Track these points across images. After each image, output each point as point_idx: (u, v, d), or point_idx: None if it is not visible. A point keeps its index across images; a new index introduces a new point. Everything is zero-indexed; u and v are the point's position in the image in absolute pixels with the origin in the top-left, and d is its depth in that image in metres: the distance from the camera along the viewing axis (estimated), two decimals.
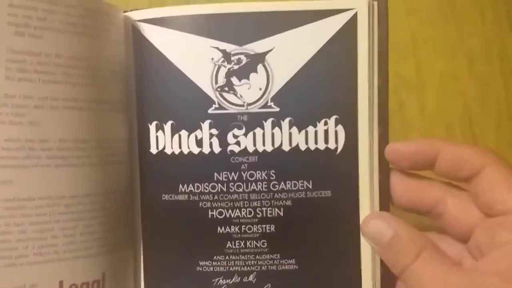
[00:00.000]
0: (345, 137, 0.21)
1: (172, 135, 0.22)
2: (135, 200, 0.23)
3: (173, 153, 0.22)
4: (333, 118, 0.21)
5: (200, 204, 0.22)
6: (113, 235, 0.22)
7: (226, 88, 0.21)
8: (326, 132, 0.21)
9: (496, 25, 0.35)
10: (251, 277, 0.22)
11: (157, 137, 0.22)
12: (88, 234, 0.21)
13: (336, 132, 0.21)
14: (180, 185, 0.22)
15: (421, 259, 0.19)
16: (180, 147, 0.22)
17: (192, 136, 0.22)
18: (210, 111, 0.21)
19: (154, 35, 0.22)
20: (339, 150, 0.21)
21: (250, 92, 0.21)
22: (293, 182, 0.21)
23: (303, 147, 0.21)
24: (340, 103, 0.21)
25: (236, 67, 0.21)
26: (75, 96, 0.19)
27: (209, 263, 0.22)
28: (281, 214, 0.22)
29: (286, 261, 0.22)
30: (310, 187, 0.22)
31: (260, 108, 0.21)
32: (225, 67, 0.21)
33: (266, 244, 0.22)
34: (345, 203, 0.22)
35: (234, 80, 0.21)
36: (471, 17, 0.35)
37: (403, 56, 0.34)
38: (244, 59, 0.21)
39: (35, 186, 0.19)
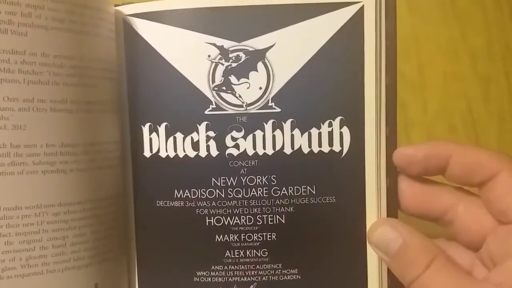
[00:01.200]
0: (350, 139, 0.21)
1: (167, 138, 0.21)
2: (128, 207, 0.22)
3: (167, 156, 0.21)
4: (338, 119, 0.21)
5: (197, 211, 0.21)
6: (105, 244, 0.21)
7: (224, 88, 0.21)
8: (330, 134, 0.21)
9: (499, 24, 0.36)
10: None
11: (150, 139, 0.22)
12: (79, 244, 0.20)
13: (341, 134, 0.21)
14: (176, 191, 0.21)
15: (432, 270, 0.19)
16: (175, 150, 0.21)
17: (188, 138, 0.21)
18: (207, 112, 0.21)
19: (147, 31, 0.21)
20: (344, 153, 0.21)
21: (249, 91, 0.21)
22: (295, 187, 0.21)
23: (306, 150, 0.21)
24: (346, 103, 0.21)
25: (234, 65, 0.21)
26: (63, 97, 0.18)
27: (207, 274, 0.22)
28: (283, 221, 0.21)
29: (288, 271, 0.21)
30: (314, 192, 0.21)
31: (260, 108, 0.21)
32: (223, 65, 0.21)
33: (267, 253, 0.21)
34: (351, 209, 0.21)
35: (233, 78, 0.21)
36: (474, 16, 0.36)
37: (405, 55, 0.35)
38: (243, 56, 0.21)
39: (21, 194, 0.18)
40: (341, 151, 0.21)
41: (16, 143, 0.17)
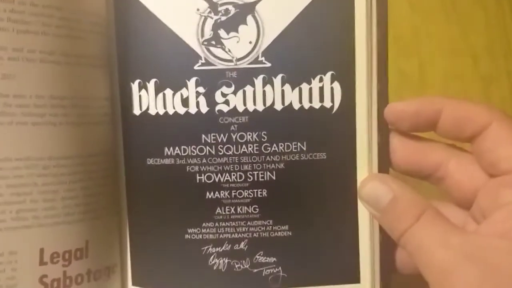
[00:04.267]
0: (341, 94, 0.23)
1: (156, 95, 0.23)
2: (119, 165, 0.24)
3: (157, 114, 0.23)
4: (329, 74, 0.23)
5: (187, 168, 0.23)
6: (96, 201, 0.23)
7: (213, 42, 0.23)
8: (321, 89, 0.23)
9: (500, 23, 0.38)
10: (242, 245, 0.24)
11: (140, 96, 0.23)
12: (69, 199, 0.22)
13: (332, 89, 0.23)
14: (166, 149, 0.23)
15: (421, 222, 0.20)
16: (164, 107, 0.23)
17: (178, 95, 0.23)
18: (196, 67, 0.23)
19: None
20: (335, 109, 0.23)
21: (239, 46, 0.22)
22: (286, 143, 0.23)
23: (296, 106, 0.23)
24: (337, 57, 0.22)
25: (223, 18, 0.22)
26: (53, 49, 0.20)
27: (198, 231, 0.23)
28: (274, 178, 0.23)
29: (279, 228, 0.23)
30: (304, 149, 0.23)
31: (250, 63, 0.23)
32: (212, 18, 0.22)
33: (257, 209, 0.23)
34: (342, 166, 0.23)
35: (222, 33, 0.23)
36: (475, 14, 0.37)
37: (406, 54, 0.37)
38: (232, 10, 0.22)
39: (11, 146, 0.20)
40: (332, 107, 0.23)
41: (5, 93, 0.19)
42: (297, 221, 0.23)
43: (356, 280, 0.23)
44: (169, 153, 0.23)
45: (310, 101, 0.23)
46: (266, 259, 0.23)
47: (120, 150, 0.24)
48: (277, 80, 0.22)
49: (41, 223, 0.22)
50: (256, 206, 0.23)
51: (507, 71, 0.38)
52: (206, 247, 0.24)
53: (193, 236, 0.23)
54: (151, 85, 0.23)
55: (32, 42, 0.19)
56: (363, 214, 0.23)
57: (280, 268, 0.23)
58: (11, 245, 0.21)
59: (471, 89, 0.37)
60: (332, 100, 0.23)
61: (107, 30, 0.23)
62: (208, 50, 0.23)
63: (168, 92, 0.23)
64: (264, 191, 0.23)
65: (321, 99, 0.23)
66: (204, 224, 0.23)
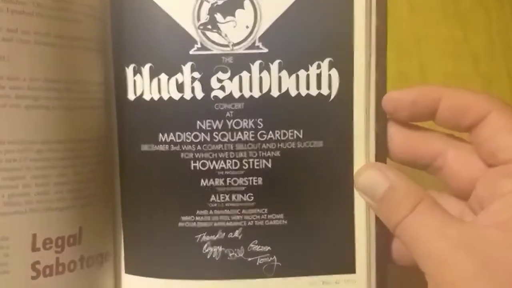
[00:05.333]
0: (339, 82, 0.23)
1: (151, 79, 0.23)
2: (113, 151, 0.25)
3: (152, 99, 0.23)
4: (327, 60, 0.23)
5: (182, 155, 0.24)
6: (90, 186, 0.24)
7: (210, 26, 0.23)
8: (318, 76, 0.23)
9: (501, 24, 0.38)
10: (236, 233, 0.24)
11: (134, 81, 0.24)
12: (62, 184, 0.22)
13: (329, 76, 0.23)
14: (160, 135, 0.24)
15: (417, 212, 0.20)
16: (159, 93, 0.23)
17: (173, 80, 0.23)
18: (192, 52, 0.23)
19: None
20: (332, 96, 0.23)
21: (236, 30, 0.23)
22: (282, 131, 0.23)
23: (293, 92, 0.23)
24: (335, 44, 0.23)
25: (220, 2, 0.23)
26: (47, 30, 0.20)
27: (192, 218, 0.24)
28: (269, 165, 0.23)
29: (274, 216, 0.24)
30: (301, 136, 0.23)
31: (246, 48, 0.23)
32: (208, 2, 0.23)
33: (252, 197, 0.24)
34: (338, 155, 0.23)
35: (218, 17, 0.23)
36: (476, 15, 0.38)
37: (406, 55, 0.37)
38: None
39: (4, 128, 0.20)
40: (330, 94, 0.23)
41: None
42: (292, 210, 0.24)
43: (352, 270, 0.24)
44: (163, 140, 0.24)
45: (308, 88, 0.23)
46: (260, 248, 0.24)
47: (114, 135, 0.24)
48: (274, 66, 0.23)
49: (34, 208, 0.22)
50: (251, 194, 0.24)
51: (508, 72, 0.39)
52: (200, 235, 0.24)
53: (187, 224, 0.24)
54: (146, 69, 0.23)
55: (27, 23, 0.20)
56: (360, 204, 0.24)
57: (274, 257, 0.24)
58: (3, 230, 0.21)
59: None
60: (330, 88, 0.23)
61: (102, 13, 0.24)
62: (204, 34, 0.23)
63: (163, 77, 0.23)
64: (260, 179, 0.24)
65: (319, 86, 0.23)
66: (198, 212, 0.24)
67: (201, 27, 0.23)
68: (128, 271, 0.25)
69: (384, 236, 0.24)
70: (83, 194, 0.23)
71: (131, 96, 0.24)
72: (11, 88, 0.20)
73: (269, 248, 0.24)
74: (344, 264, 0.24)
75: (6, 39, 0.19)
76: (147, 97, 0.24)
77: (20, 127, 0.21)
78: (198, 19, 0.23)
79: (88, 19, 0.23)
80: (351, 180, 0.23)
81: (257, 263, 0.24)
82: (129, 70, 0.24)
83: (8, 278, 0.21)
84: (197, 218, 0.24)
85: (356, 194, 0.23)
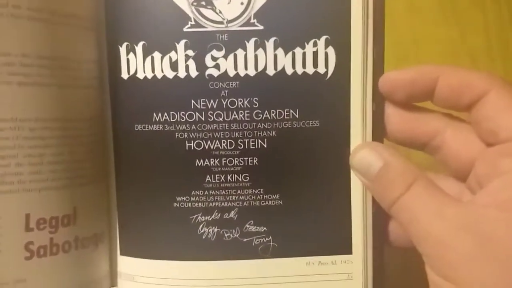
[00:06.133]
0: (336, 60, 0.23)
1: (144, 58, 0.23)
2: (107, 130, 0.25)
3: (145, 77, 0.23)
4: (323, 38, 0.23)
5: (176, 135, 0.24)
6: (84, 167, 0.24)
7: (203, 3, 0.23)
8: (315, 54, 0.23)
9: (498, 25, 0.39)
10: (232, 214, 0.24)
11: (128, 60, 0.24)
12: (56, 163, 0.23)
13: (326, 54, 0.23)
14: (154, 114, 0.24)
15: (412, 191, 0.20)
16: (153, 71, 0.23)
17: (166, 58, 0.23)
18: (185, 29, 0.23)
19: None
20: (329, 74, 0.23)
21: (230, 7, 0.23)
22: (278, 110, 0.23)
23: (289, 71, 0.23)
24: (332, 21, 0.23)
25: None
26: (40, 6, 0.20)
27: (187, 199, 0.24)
28: (265, 145, 0.24)
29: (269, 197, 0.24)
30: (297, 116, 0.23)
31: (241, 25, 0.23)
32: None
33: (248, 178, 0.24)
34: (335, 134, 0.23)
35: None
36: (473, 16, 0.39)
37: (404, 56, 0.38)
38: None
39: None
40: (326, 72, 0.23)
41: None
42: (288, 190, 0.24)
43: (348, 251, 0.24)
44: (157, 119, 0.24)
45: (304, 66, 0.23)
46: (256, 229, 0.24)
47: (108, 115, 0.24)
48: (270, 44, 0.23)
49: (27, 187, 0.22)
50: (247, 175, 0.24)
51: (505, 72, 0.39)
52: (195, 216, 0.24)
53: (182, 205, 0.24)
54: (139, 48, 0.23)
55: None
56: (356, 185, 0.24)
57: (270, 237, 0.24)
58: None
59: None
60: (326, 66, 0.23)
61: None
62: (198, 11, 0.23)
63: (157, 55, 0.23)
64: (255, 159, 0.24)
65: (315, 65, 0.23)
66: (193, 192, 0.24)
67: (195, 3, 0.23)
68: (123, 252, 0.25)
69: (380, 217, 0.24)
70: (77, 174, 0.24)
71: (124, 75, 0.24)
72: (3, 64, 0.20)
73: (265, 228, 0.24)
74: (341, 244, 0.24)
75: None
76: (140, 75, 0.23)
77: (13, 104, 0.21)
78: None
79: None
80: (347, 160, 0.23)
81: (253, 244, 0.24)
82: (122, 49, 0.23)
83: (1, 258, 0.22)
84: (192, 199, 0.24)
85: (353, 174, 0.24)
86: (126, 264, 0.25)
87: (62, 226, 0.23)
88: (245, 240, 0.24)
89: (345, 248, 0.24)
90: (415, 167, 0.21)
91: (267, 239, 0.24)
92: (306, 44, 0.23)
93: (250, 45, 0.23)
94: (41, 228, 0.23)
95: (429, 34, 0.40)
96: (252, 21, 0.23)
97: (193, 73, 0.23)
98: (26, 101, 0.21)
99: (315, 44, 0.23)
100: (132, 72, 0.24)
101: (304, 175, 0.24)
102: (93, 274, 0.25)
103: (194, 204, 0.24)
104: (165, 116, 0.23)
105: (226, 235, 0.24)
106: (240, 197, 0.24)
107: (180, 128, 0.23)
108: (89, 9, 0.23)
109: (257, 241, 0.24)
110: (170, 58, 0.23)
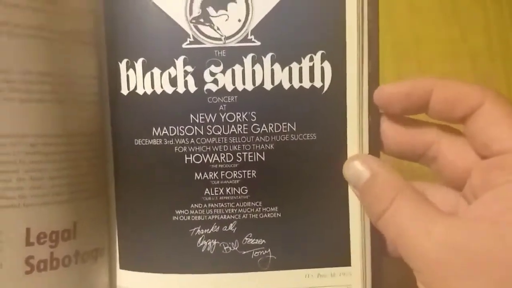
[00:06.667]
0: (332, 74, 0.23)
1: (144, 74, 0.24)
2: (107, 145, 0.25)
3: (145, 93, 0.24)
4: (319, 53, 0.23)
5: (176, 149, 0.24)
6: (84, 181, 0.24)
7: (202, 20, 0.23)
8: (311, 69, 0.23)
9: (499, 24, 0.40)
10: (231, 226, 0.25)
11: (128, 76, 0.24)
12: (57, 178, 0.23)
13: (322, 69, 0.23)
14: (154, 129, 0.24)
15: (396, 204, 0.20)
16: (152, 87, 0.24)
17: (166, 74, 0.24)
18: (184, 45, 0.24)
19: None
20: (325, 88, 0.24)
21: (228, 24, 0.23)
22: (275, 124, 0.24)
23: (286, 85, 0.24)
24: (327, 36, 0.23)
25: None
26: (40, 24, 0.21)
27: (186, 212, 0.24)
28: (263, 158, 0.24)
29: (268, 209, 0.24)
30: (294, 129, 0.24)
31: (239, 42, 0.23)
32: None
33: (246, 190, 0.24)
34: (332, 148, 0.24)
35: (211, 10, 0.23)
36: (474, 15, 0.40)
37: (405, 55, 0.39)
38: None
39: None
40: (322, 87, 0.24)
41: None
42: (286, 203, 0.24)
43: (347, 263, 0.24)
44: (157, 134, 0.24)
45: (300, 80, 0.24)
46: (255, 241, 0.24)
47: (108, 130, 0.25)
48: (267, 59, 0.23)
49: (28, 202, 0.22)
50: (245, 187, 0.24)
51: (506, 72, 0.40)
52: (194, 229, 0.25)
53: (181, 218, 0.25)
54: (138, 64, 0.24)
55: (18, 16, 0.20)
56: (354, 197, 0.24)
57: (269, 250, 0.24)
58: None
59: None
60: (323, 80, 0.24)
61: (95, 6, 0.24)
62: (197, 28, 0.23)
63: (156, 71, 0.24)
64: (253, 172, 0.24)
65: (311, 79, 0.24)
66: (192, 206, 0.24)
67: (194, 20, 0.23)
68: (123, 266, 0.25)
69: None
70: (78, 188, 0.24)
71: (124, 91, 0.24)
72: (4, 81, 0.20)
73: (263, 241, 0.24)
74: (339, 256, 0.24)
75: None
76: (140, 91, 0.24)
77: (14, 120, 0.21)
78: (191, 13, 0.23)
79: (82, 13, 0.23)
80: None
81: (252, 256, 0.25)
82: (122, 65, 0.24)
83: (1, 272, 0.22)
84: (191, 212, 0.24)
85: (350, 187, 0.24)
86: (126, 278, 0.25)
87: (63, 241, 0.24)
88: (244, 252, 0.25)
89: (344, 260, 0.24)
90: (401, 178, 0.21)
91: (266, 251, 0.24)
92: (302, 59, 0.23)
93: (248, 60, 0.23)
94: (42, 242, 0.23)
95: (430, 34, 0.40)
96: (249, 37, 0.23)
97: (192, 88, 0.24)
98: (27, 117, 0.21)
99: (311, 59, 0.23)
100: (132, 88, 0.24)
101: (302, 187, 0.24)
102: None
103: (193, 217, 0.24)
104: (165, 131, 0.24)
105: (225, 247, 0.25)
106: (239, 209, 0.24)
107: (179, 142, 0.24)
108: (89, 25, 0.24)
109: (256, 254, 0.25)
110: (169, 74, 0.24)
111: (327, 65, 0.23)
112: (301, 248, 0.25)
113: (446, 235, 0.19)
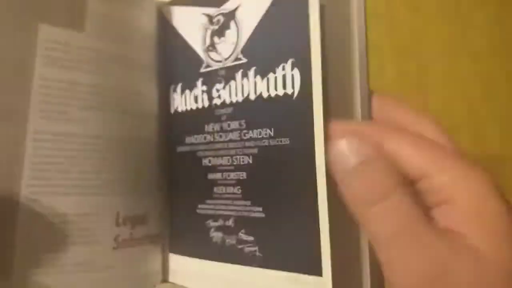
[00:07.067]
0: (300, 80, 0.24)
1: (181, 96, 0.31)
2: (154, 153, 0.33)
3: (182, 110, 0.31)
4: (290, 61, 0.25)
5: (197, 154, 0.30)
6: (156, 178, 0.33)
7: (210, 48, 0.29)
8: (284, 77, 0.25)
9: (500, 25, 0.42)
10: (230, 221, 0.28)
11: (173, 98, 0.32)
12: (140, 174, 0.32)
13: (292, 76, 0.25)
14: (186, 138, 0.31)
15: (388, 203, 0.20)
16: (185, 105, 0.31)
17: (192, 94, 0.30)
18: (201, 70, 0.30)
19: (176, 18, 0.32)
20: (295, 94, 0.25)
21: (225, 47, 0.28)
22: (258, 130, 0.26)
23: (265, 94, 0.26)
24: (295, 46, 0.25)
25: (216, 27, 0.29)
26: (119, 53, 0.31)
27: (204, 206, 0.30)
28: (251, 161, 0.27)
29: (255, 209, 0.27)
30: (272, 134, 0.26)
31: (233, 61, 0.28)
32: (209, 29, 0.29)
33: (240, 190, 0.27)
34: (303, 152, 0.24)
35: (215, 39, 0.29)
36: (475, 15, 0.42)
37: (405, 55, 0.41)
38: (221, 19, 0.28)
39: (102, 127, 0.32)
40: (293, 93, 0.25)
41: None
42: (269, 204, 0.26)
43: (318, 272, 0.24)
44: (187, 142, 0.31)
45: (276, 88, 0.26)
46: (247, 237, 0.27)
47: (156, 139, 0.33)
48: (251, 73, 0.27)
49: (118, 191, 0.32)
50: (239, 187, 0.27)
51: (506, 71, 0.40)
52: (208, 221, 0.29)
53: (201, 211, 0.30)
54: (178, 88, 0.31)
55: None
56: (324, 202, 0.23)
57: (257, 247, 0.26)
58: (95, 208, 0.32)
59: (470, 89, 0.41)
60: (293, 86, 0.25)
61: (153, 45, 0.33)
62: (208, 55, 0.29)
63: (187, 92, 0.31)
64: (244, 174, 0.27)
65: (284, 86, 0.25)
66: (207, 201, 0.29)
67: (206, 49, 0.29)
68: (171, 250, 0.32)
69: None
70: (151, 183, 0.33)
71: (172, 110, 0.32)
72: (89, 94, 0.32)
73: (252, 238, 0.27)
74: (311, 264, 0.24)
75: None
76: (179, 109, 0.31)
77: (113, 126, 0.32)
78: (204, 43, 0.30)
79: (143, 47, 0.33)
80: (314, 177, 0.24)
81: (245, 251, 0.27)
82: (170, 90, 0.32)
83: (98, 247, 0.30)
84: (206, 206, 0.29)
85: (319, 191, 0.24)
86: (172, 260, 0.32)
87: (138, 224, 0.33)
88: (239, 247, 0.27)
89: (315, 268, 0.24)
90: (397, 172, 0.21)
91: (254, 248, 0.27)
92: (277, 69, 0.25)
93: (239, 76, 0.27)
94: (126, 224, 0.33)
95: (430, 34, 0.41)
96: (239, 56, 0.27)
97: (206, 103, 0.29)
98: (120, 123, 0.32)
99: (284, 68, 0.25)
100: (175, 107, 0.32)
101: (280, 190, 0.25)
102: (153, 267, 0.33)
103: (207, 211, 0.29)
104: (192, 139, 0.30)
105: (227, 240, 0.28)
106: (235, 207, 0.28)
107: (199, 148, 0.30)
108: (149, 58, 0.33)
109: (247, 250, 0.27)
110: (194, 94, 0.30)
111: (296, 72, 0.25)
112: (281, 250, 0.25)
113: (430, 269, 0.19)
